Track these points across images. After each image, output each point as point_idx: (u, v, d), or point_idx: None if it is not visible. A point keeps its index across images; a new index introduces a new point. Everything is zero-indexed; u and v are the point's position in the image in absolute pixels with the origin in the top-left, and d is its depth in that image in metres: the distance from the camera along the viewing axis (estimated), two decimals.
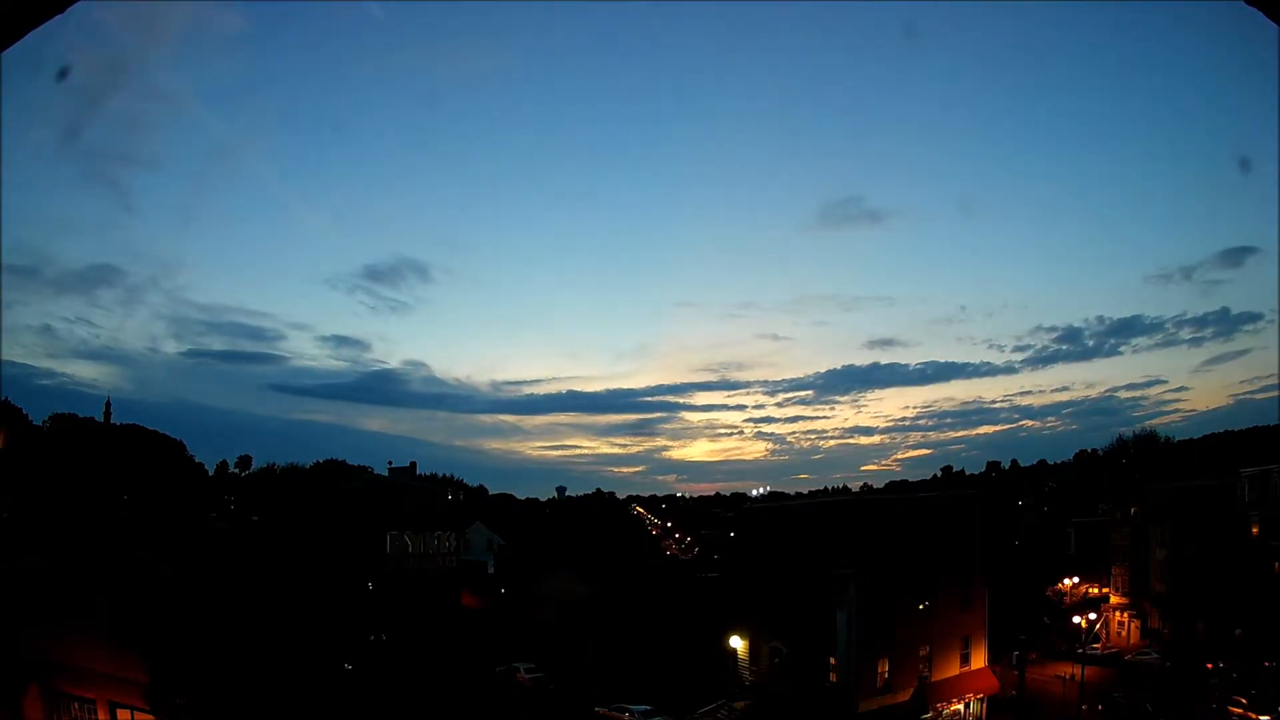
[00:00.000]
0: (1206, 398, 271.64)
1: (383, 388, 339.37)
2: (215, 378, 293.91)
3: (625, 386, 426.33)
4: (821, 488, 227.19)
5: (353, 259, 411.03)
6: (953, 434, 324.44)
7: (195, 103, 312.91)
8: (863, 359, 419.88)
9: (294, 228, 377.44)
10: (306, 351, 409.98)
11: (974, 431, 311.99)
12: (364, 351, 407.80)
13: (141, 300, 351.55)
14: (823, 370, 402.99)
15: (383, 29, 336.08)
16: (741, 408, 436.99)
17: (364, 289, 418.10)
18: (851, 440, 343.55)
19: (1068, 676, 54.12)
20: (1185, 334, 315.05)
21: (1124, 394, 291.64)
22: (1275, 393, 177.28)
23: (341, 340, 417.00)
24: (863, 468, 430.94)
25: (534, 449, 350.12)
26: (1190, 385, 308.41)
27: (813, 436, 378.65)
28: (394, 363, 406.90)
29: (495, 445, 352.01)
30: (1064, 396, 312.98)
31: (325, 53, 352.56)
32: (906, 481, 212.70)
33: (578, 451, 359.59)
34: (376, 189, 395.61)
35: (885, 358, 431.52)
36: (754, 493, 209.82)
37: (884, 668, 44.65)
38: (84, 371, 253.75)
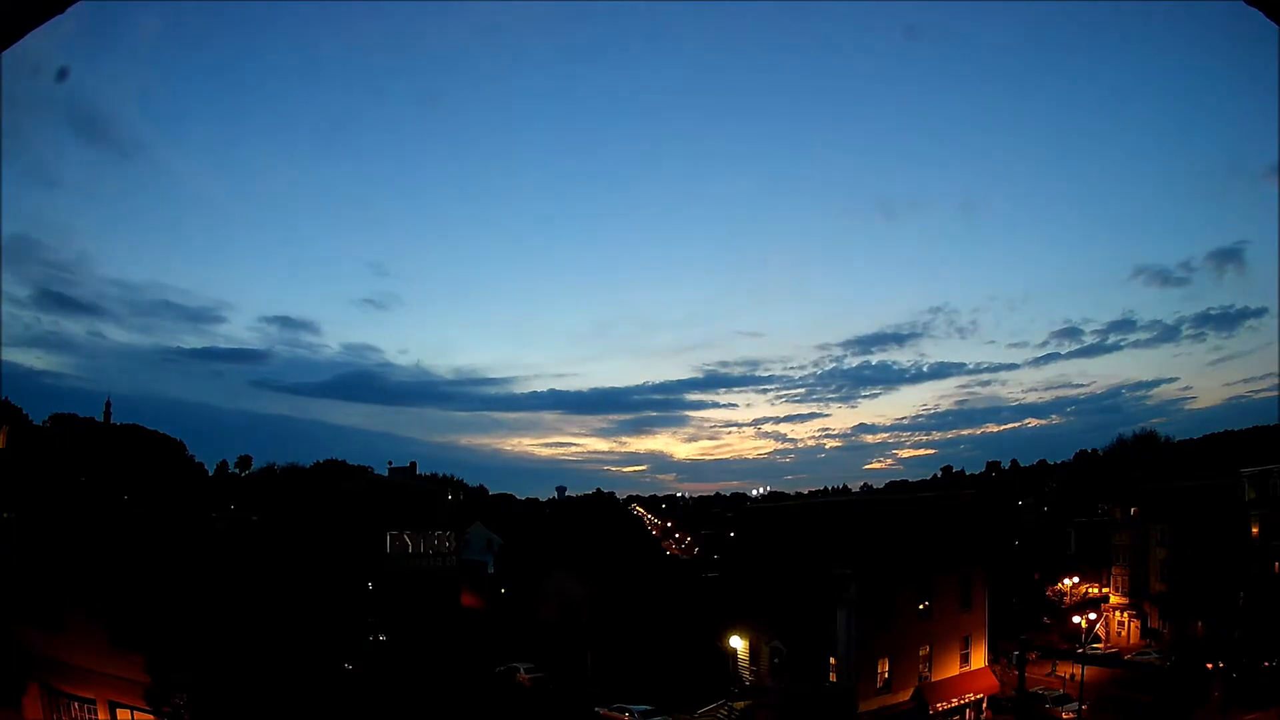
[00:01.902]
0: (1207, 397, 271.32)
1: (360, 384, 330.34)
2: (174, 369, 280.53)
3: (610, 385, 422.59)
4: (822, 488, 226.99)
5: (299, 241, 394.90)
6: (954, 433, 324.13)
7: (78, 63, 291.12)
8: (862, 358, 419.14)
9: (198, 202, 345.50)
10: (242, 336, 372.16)
11: (975, 430, 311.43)
12: (311, 334, 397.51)
13: (65, 278, 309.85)
14: (821, 369, 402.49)
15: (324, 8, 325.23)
16: (734, 406, 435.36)
17: (310, 273, 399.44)
18: (851, 439, 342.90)
19: (1068, 676, 54.29)
20: (1186, 330, 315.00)
21: (1125, 392, 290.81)
22: (1275, 392, 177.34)
23: (285, 322, 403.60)
24: (864, 467, 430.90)
25: (523, 447, 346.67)
26: (1191, 384, 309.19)
27: (813, 436, 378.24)
28: (335, 345, 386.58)
29: (478, 441, 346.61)
30: (1065, 393, 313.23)
31: (254, 22, 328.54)
32: (907, 481, 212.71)
33: (577, 451, 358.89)
34: (315, 172, 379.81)
35: (884, 356, 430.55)
36: (754, 493, 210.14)
37: (884, 667, 44.68)
38: (37, 362, 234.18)
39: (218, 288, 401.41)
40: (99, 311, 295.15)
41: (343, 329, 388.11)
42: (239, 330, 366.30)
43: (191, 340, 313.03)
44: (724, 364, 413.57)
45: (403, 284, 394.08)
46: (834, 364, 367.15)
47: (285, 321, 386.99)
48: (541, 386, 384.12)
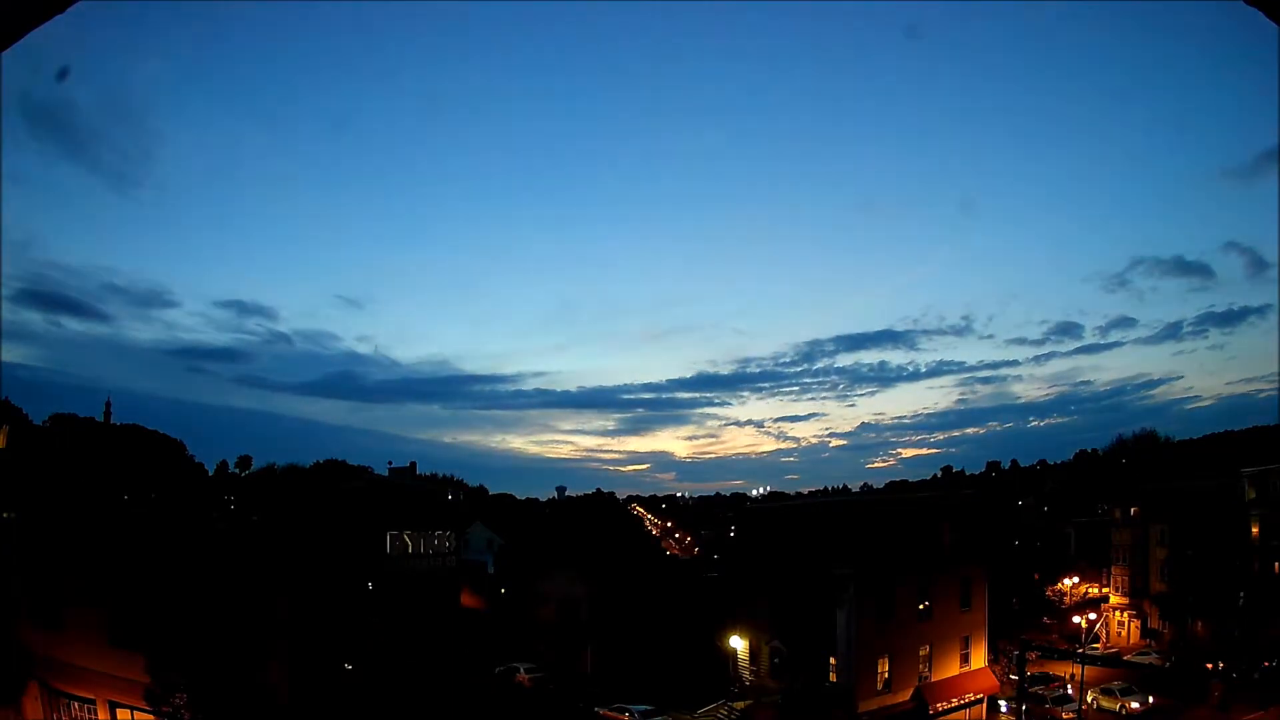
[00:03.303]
0: (1208, 396, 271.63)
1: (343, 381, 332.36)
2: (157, 366, 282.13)
3: (598, 384, 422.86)
4: (822, 487, 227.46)
5: (259, 228, 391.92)
6: (955, 433, 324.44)
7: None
8: (854, 354, 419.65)
9: (147, 187, 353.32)
10: (189, 323, 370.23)
11: (975, 430, 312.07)
12: (270, 320, 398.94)
13: (27, 269, 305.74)
14: (813, 366, 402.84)
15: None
16: (729, 404, 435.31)
17: (271, 261, 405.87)
18: (852, 439, 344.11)
19: (1067, 676, 54.25)
20: (1187, 329, 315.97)
21: (1126, 391, 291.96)
22: (1275, 392, 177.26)
23: (241, 306, 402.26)
24: (867, 465, 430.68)
25: (514, 445, 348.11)
26: (1191, 383, 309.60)
27: (816, 435, 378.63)
28: (289, 329, 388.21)
29: (464, 439, 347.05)
30: (1066, 390, 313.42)
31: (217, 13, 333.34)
32: (906, 481, 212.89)
33: (576, 450, 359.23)
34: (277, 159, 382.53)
35: (880, 354, 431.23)
36: (754, 492, 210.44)
37: (884, 667, 44.68)
38: (7, 355, 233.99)
39: (171, 273, 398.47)
40: (64, 303, 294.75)
41: (304, 317, 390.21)
42: (186, 317, 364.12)
43: (141, 327, 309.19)
44: (713, 362, 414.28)
45: (368, 273, 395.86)
46: (826, 360, 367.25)
47: (241, 307, 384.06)
48: (526, 385, 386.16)
